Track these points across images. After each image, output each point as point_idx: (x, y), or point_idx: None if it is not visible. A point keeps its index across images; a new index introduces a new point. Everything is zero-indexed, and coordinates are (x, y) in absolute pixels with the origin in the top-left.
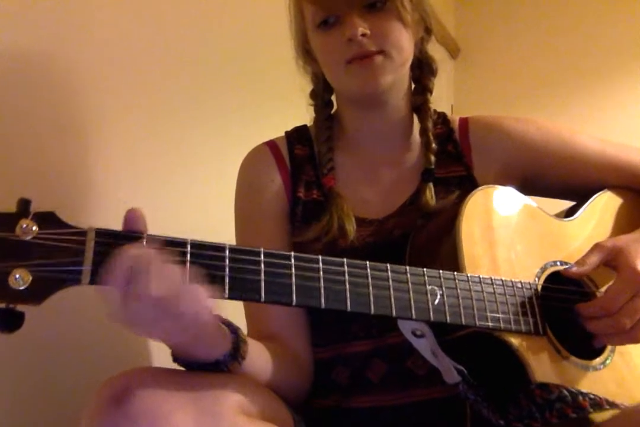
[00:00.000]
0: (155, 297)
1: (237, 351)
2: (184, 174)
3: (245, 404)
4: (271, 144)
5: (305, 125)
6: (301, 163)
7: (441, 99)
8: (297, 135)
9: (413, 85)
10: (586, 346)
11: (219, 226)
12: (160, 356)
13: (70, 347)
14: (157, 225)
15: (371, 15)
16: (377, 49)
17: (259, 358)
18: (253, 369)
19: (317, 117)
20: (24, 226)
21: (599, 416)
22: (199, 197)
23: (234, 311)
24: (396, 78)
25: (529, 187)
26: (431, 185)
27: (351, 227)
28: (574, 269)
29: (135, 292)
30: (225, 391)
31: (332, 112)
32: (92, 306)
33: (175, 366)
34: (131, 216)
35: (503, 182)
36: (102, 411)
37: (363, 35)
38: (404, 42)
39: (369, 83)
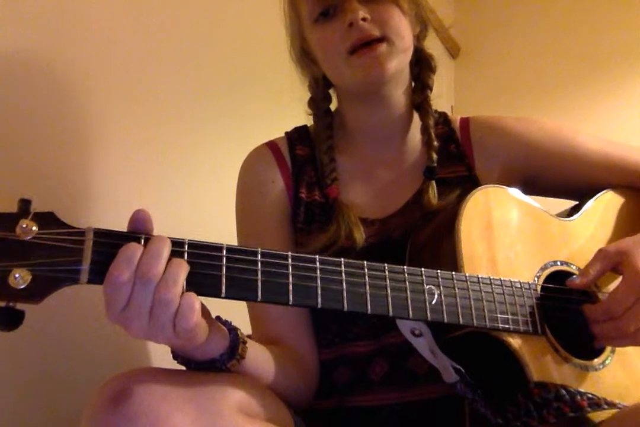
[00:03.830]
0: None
1: (234, 350)
2: (183, 175)
3: (244, 403)
4: (272, 145)
5: (305, 126)
6: (302, 163)
7: (441, 99)
8: (297, 136)
9: (413, 84)
10: (586, 346)
11: (218, 227)
12: (160, 356)
13: (70, 348)
14: (157, 226)
15: (369, 3)
16: (379, 34)
17: (260, 359)
18: (254, 370)
19: (317, 126)
20: (24, 226)
21: (597, 416)
22: (197, 199)
23: (235, 312)
24: (399, 66)
25: (531, 186)
26: (434, 183)
27: (360, 235)
28: (578, 280)
29: (140, 276)
30: (225, 391)
31: (333, 111)
32: (91, 307)
33: (175, 366)
34: (137, 217)
35: (505, 182)
36: (102, 412)
37: (364, 19)
38: (404, 29)
39: (374, 71)
